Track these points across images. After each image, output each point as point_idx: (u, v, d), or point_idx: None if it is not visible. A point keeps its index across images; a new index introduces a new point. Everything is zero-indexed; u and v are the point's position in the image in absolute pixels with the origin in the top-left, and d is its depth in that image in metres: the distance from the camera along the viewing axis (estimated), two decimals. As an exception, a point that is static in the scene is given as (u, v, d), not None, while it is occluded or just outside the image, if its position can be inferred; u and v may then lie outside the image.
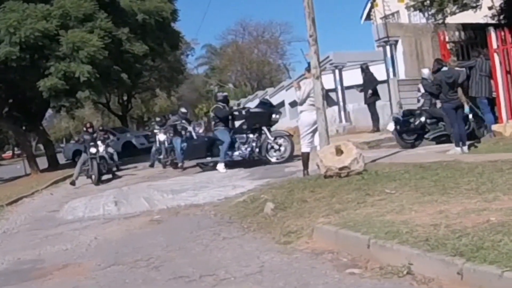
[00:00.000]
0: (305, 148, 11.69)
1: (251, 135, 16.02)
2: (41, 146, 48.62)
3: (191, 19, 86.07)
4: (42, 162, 30.58)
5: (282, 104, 34.01)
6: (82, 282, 6.62)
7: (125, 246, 8.12)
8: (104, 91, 30.17)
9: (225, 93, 19.03)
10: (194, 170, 17.38)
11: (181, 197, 12.07)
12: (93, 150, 18.13)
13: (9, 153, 79.53)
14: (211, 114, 18.15)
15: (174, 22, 31.13)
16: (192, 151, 16.78)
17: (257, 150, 15.88)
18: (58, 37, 23.14)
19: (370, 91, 19.03)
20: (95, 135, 19.33)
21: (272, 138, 15.63)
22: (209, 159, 16.34)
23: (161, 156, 20.92)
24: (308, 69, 11.80)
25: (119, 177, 19.43)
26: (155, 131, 22.03)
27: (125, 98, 49.57)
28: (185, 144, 18.90)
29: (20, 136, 32.23)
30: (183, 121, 19.78)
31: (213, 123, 17.43)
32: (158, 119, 24.41)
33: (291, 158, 15.51)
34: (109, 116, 59.43)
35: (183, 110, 21.28)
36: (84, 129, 19.77)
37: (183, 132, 19.31)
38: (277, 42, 65.58)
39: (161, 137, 20.99)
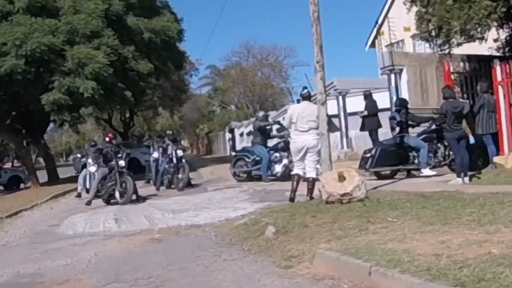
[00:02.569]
0: (295, 170, 11.73)
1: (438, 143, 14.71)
2: (40, 160, 48.57)
3: (197, 39, 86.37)
4: (42, 176, 30.60)
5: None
6: (82, 298, 6.64)
7: (126, 264, 8.12)
8: (107, 108, 30.26)
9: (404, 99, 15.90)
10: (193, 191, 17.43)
11: (181, 217, 12.08)
12: (122, 163, 16.02)
13: (8, 165, 79.32)
14: (397, 118, 14.98)
15: (179, 42, 31.37)
16: (384, 158, 14.88)
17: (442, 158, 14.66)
18: (64, 52, 23.40)
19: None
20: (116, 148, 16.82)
21: None
22: (400, 167, 14.96)
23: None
24: (301, 94, 11.96)
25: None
26: (167, 144, 19.50)
27: (127, 115, 49.77)
28: (276, 155, 17.34)
29: (21, 149, 32.30)
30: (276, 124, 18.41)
31: (397, 129, 14.92)
32: (169, 132, 22.64)
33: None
34: (111, 133, 59.50)
35: (262, 113, 19.33)
36: (107, 139, 17.22)
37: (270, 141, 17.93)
38: (281, 66, 65.76)
39: (180, 153, 18.79)
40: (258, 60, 65.52)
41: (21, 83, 23.56)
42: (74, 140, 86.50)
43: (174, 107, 53.46)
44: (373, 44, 37.06)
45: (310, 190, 11.37)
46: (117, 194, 15.76)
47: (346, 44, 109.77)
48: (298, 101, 12.21)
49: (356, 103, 21.37)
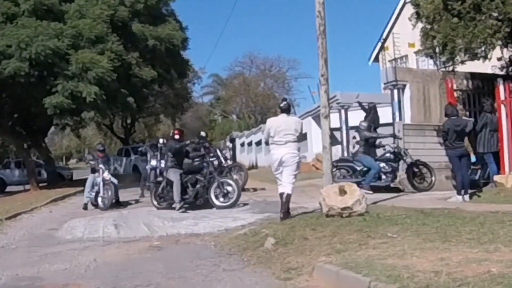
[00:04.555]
0: (280, 189, 11.14)
1: None
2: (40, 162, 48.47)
3: (201, 47, 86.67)
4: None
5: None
6: (81, 303, 6.64)
7: (125, 271, 8.12)
8: (109, 113, 30.29)
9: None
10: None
11: (181, 225, 12.10)
12: (216, 162, 15.32)
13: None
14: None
15: (184, 50, 31.39)
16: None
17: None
18: (68, 56, 23.42)
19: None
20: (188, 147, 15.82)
21: None
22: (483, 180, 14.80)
23: None
24: (280, 107, 11.46)
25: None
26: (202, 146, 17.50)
27: (129, 121, 49.78)
28: (383, 165, 16.15)
29: (22, 152, 32.25)
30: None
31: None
32: (203, 133, 20.64)
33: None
34: (112, 138, 59.50)
35: (366, 123, 17.00)
36: (177, 137, 15.79)
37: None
38: (284, 77, 65.94)
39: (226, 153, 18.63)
40: (261, 71, 65.72)
41: (24, 86, 23.55)
42: (74, 144, 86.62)
43: (176, 115, 53.51)
44: (376, 59, 37.13)
45: (284, 205, 10.89)
46: (212, 196, 14.75)
47: (349, 58, 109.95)
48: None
49: (359, 117, 21.38)
